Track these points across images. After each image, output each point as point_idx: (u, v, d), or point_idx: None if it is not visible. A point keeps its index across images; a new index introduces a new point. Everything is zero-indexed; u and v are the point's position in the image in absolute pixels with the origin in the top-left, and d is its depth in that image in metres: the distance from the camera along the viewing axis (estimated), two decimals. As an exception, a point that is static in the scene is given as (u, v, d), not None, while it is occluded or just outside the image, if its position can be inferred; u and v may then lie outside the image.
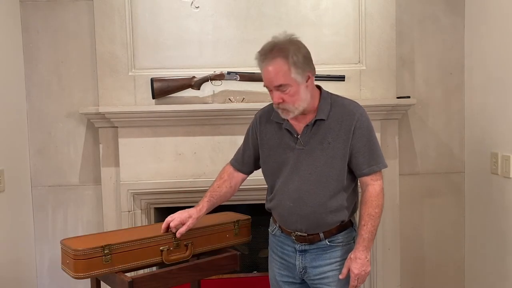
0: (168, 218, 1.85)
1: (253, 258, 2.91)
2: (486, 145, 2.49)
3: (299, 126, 1.75)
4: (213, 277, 2.41)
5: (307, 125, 1.73)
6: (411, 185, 2.73)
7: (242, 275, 2.63)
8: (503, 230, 2.35)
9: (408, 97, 2.58)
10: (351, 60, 2.57)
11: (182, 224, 1.83)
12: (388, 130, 2.60)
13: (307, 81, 1.67)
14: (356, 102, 1.78)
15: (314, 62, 2.46)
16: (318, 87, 1.79)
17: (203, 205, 1.87)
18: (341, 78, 2.48)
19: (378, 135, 2.52)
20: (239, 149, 1.96)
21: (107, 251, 1.73)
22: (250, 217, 2.13)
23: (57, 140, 2.64)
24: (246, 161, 1.91)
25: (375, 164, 1.71)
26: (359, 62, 2.57)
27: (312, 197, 1.72)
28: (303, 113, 1.71)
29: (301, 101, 1.66)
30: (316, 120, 1.72)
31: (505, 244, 2.34)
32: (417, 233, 2.77)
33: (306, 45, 2.50)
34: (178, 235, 1.83)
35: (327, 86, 2.39)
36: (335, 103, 1.74)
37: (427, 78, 2.71)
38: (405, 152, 2.70)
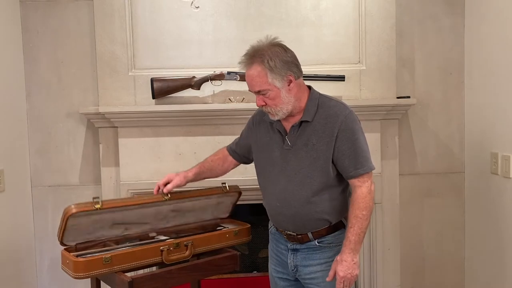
0: (158, 182, 1.92)
1: (253, 258, 2.91)
2: (486, 145, 2.49)
3: (287, 127, 1.77)
4: (213, 277, 2.41)
5: (293, 126, 1.75)
6: (411, 185, 2.74)
7: (242, 275, 2.63)
8: (503, 230, 2.35)
9: (408, 97, 2.58)
10: (351, 60, 2.57)
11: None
12: (388, 130, 2.60)
13: (289, 85, 1.68)
14: (343, 104, 1.76)
15: (314, 62, 2.53)
16: (309, 87, 1.79)
17: (191, 170, 1.96)
18: (341, 78, 2.48)
19: (377, 135, 2.54)
20: (237, 137, 2.03)
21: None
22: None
23: (57, 140, 2.65)
24: (240, 149, 1.98)
25: (361, 167, 1.69)
26: (359, 62, 2.57)
27: (297, 197, 1.74)
28: (291, 115, 1.73)
29: (283, 104, 1.69)
30: (302, 122, 1.73)
31: (505, 244, 2.34)
32: (417, 233, 2.77)
33: (306, 45, 2.54)
34: (165, 191, 1.90)
35: (327, 86, 2.43)
36: (322, 105, 1.74)
37: (427, 78, 2.71)
38: (405, 152, 2.71)
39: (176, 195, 1.95)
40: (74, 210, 1.73)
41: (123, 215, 1.89)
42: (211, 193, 2.07)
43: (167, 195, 1.91)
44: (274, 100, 1.68)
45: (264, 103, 1.70)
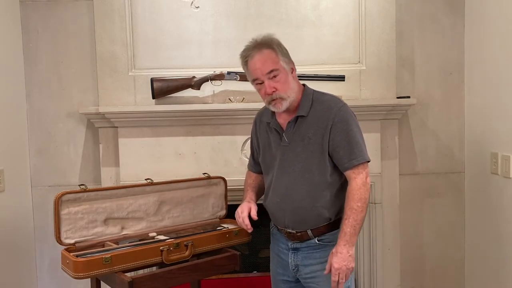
0: (241, 214, 1.83)
1: (253, 258, 2.91)
2: (486, 145, 2.49)
3: (284, 124, 1.80)
4: (213, 277, 2.41)
5: (289, 123, 1.78)
6: (411, 185, 2.73)
7: (242, 275, 2.63)
8: (503, 230, 2.35)
9: (408, 97, 2.58)
10: (351, 60, 2.57)
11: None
12: (388, 130, 2.60)
13: (292, 72, 1.75)
14: (337, 98, 1.80)
15: (314, 62, 2.55)
16: (303, 85, 1.83)
17: (250, 195, 1.93)
18: (341, 78, 2.48)
19: (377, 135, 2.54)
20: (250, 155, 2.04)
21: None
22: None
23: (57, 140, 2.65)
24: (257, 162, 1.97)
25: (355, 158, 1.70)
26: (359, 62, 2.57)
27: (296, 192, 1.75)
28: (288, 110, 1.76)
29: (291, 89, 1.73)
30: (297, 117, 1.76)
31: (505, 244, 2.34)
32: (417, 233, 2.77)
33: (306, 45, 2.55)
34: (255, 217, 1.83)
35: (327, 86, 2.42)
36: (317, 99, 1.78)
37: (427, 78, 2.71)
38: (405, 152, 2.70)
39: (159, 182, 2.06)
40: (62, 192, 1.83)
41: (112, 205, 1.93)
42: (193, 180, 2.17)
43: (150, 179, 2.03)
44: (284, 84, 1.71)
45: (274, 89, 1.70)
